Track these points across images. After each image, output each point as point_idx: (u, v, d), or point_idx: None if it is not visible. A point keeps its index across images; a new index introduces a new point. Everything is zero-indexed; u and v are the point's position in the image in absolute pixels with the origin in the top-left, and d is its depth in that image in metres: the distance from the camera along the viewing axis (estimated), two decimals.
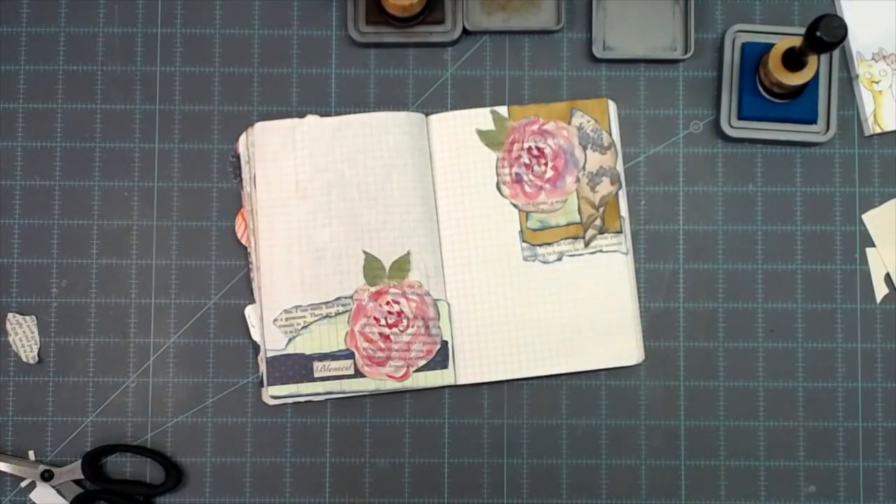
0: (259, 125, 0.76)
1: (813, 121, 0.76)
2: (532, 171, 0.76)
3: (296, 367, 0.74)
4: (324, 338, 0.74)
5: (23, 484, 0.76)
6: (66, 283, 0.76)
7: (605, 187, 0.76)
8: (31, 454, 0.76)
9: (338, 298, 0.74)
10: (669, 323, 0.76)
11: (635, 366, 0.76)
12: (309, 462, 0.75)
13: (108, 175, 0.77)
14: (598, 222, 0.76)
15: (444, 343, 0.74)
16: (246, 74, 0.78)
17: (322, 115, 0.76)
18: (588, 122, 0.76)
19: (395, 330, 0.74)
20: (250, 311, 0.76)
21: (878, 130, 0.77)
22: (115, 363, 0.76)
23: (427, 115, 0.77)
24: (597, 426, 0.76)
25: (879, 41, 0.77)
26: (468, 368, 0.75)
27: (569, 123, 0.76)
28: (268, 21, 0.78)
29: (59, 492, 0.75)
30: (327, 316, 0.74)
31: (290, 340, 0.74)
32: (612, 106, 0.77)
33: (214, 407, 0.76)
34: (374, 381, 0.74)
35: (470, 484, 0.76)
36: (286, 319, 0.74)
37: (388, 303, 0.74)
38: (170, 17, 0.78)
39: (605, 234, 0.76)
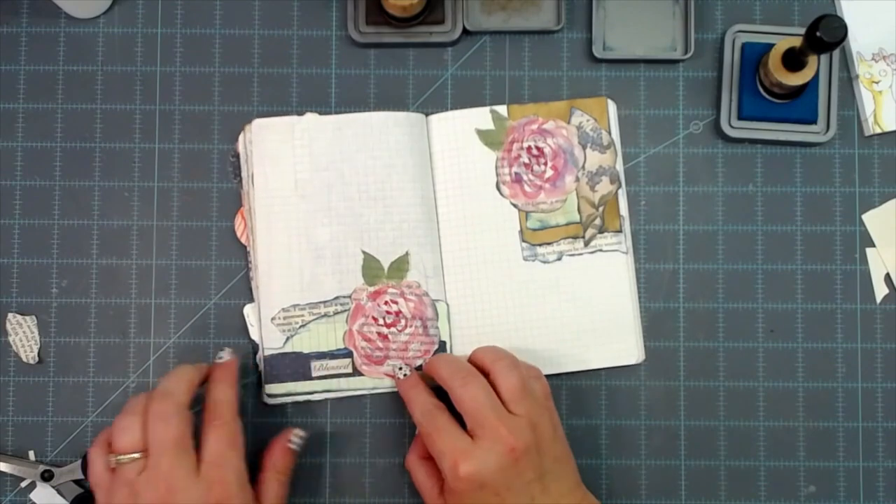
0: (256, 122, 0.76)
1: (813, 121, 0.76)
2: (531, 170, 0.76)
3: (293, 365, 0.74)
4: (322, 337, 0.74)
5: (23, 484, 0.76)
6: (66, 283, 0.76)
7: (604, 186, 0.76)
8: (31, 454, 0.76)
9: (336, 298, 0.74)
10: (669, 323, 0.76)
11: (635, 366, 0.76)
12: (309, 462, 0.75)
13: (108, 175, 0.77)
14: (597, 221, 0.76)
15: (443, 343, 0.74)
16: (246, 74, 0.78)
17: (322, 115, 0.76)
18: (587, 121, 0.76)
19: (392, 330, 0.74)
20: (249, 311, 0.76)
21: (878, 130, 0.77)
22: (115, 363, 0.76)
23: (427, 115, 0.77)
24: (597, 426, 0.76)
25: (879, 41, 0.77)
26: None
27: (568, 123, 0.76)
28: (268, 21, 0.78)
29: (59, 492, 0.75)
30: (325, 315, 0.74)
31: (287, 339, 0.74)
32: (611, 105, 0.77)
33: None
34: (372, 380, 0.74)
35: None
36: (284, 318, 0.74)
37: (386, 303, 0.74)
38: (170, 17, 0.78)
39: (605, 234, 0.76)
